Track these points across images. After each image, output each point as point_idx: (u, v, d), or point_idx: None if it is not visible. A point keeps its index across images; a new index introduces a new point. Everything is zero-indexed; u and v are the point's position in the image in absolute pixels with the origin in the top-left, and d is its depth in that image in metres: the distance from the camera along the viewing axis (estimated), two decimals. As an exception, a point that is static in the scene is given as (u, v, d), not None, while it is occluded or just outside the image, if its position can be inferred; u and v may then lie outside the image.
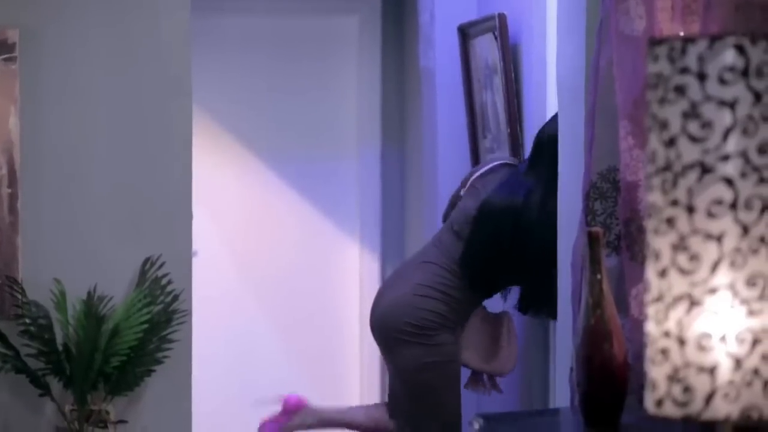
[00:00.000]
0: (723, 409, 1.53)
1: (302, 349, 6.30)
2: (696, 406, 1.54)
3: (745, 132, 1.52)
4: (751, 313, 1.53)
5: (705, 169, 1.53)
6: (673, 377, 1.55)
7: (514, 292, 4.59)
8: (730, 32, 1.55)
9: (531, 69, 4.60)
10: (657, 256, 1.57)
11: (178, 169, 4.63)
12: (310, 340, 6.30)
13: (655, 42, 1.58)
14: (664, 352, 1.56)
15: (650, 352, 1.58)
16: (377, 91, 6.32)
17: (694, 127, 1.54)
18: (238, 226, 6.28)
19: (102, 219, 4.60)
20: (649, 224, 1.59)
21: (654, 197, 1.58)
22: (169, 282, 4.57)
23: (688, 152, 1.54)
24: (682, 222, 1.54)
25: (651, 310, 1.59)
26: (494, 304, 4.69)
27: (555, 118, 4.06)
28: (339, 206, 6.35)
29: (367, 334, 6.14)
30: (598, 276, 2.72)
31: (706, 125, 1.53)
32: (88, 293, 4.46)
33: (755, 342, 1.53)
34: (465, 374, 4.68)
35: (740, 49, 1.52)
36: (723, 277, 1.53)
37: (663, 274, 1.57)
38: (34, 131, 4.54)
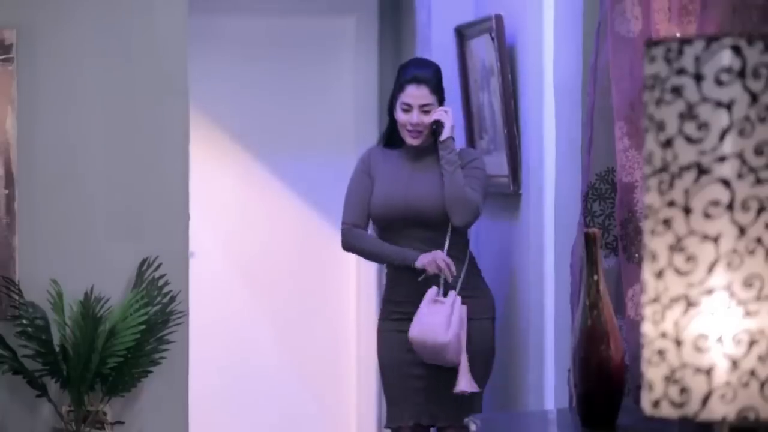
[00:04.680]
0: (720, 410, 1.53)
1: (299, 349, 6.29)
2: (693, 407, 1.54)
3: (741, 133, 1.52)
4: (748, 314, 1.53)
5: (702, 171, 1.53)
6: (670, 378, 1.55)
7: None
8: (726, 33, 1.55)
9: (528, 70, 4.60)
10: (654, 257, 1.57)
11: (175, 169, 4.63)
12: (307, 340, 6.29)
13: (651, 43, 1.58)
14: (661, 353, 1.56)
15: (647, 353, 1.58)
16: (374, 91, 6.32)
17: (690, 128, 1.54)
18: (236, 227, 6.28)
19: (99, 220, 4.59)
20: (646, 225, 1.59)
21: (651, 198, 1.58)
22: (166, 283, 4.57)
23: (685, 153, 1.54)
24: (679, 223, 1.54)
25: (648, 311, 1.59)
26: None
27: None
28: (336, 206, 6.33)
29: (364, 332, 6.15)
30: (595, 277, 2.72)
31: (703, 126, 1.53)
32: (85, 294, 4.46)
33: (752, 343, 1.53)
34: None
35: (737, 50, 1.52)
36: (720, 278, 1.53)
37: (660, 275, 1.56)
38: (31, 132, 4.54)
